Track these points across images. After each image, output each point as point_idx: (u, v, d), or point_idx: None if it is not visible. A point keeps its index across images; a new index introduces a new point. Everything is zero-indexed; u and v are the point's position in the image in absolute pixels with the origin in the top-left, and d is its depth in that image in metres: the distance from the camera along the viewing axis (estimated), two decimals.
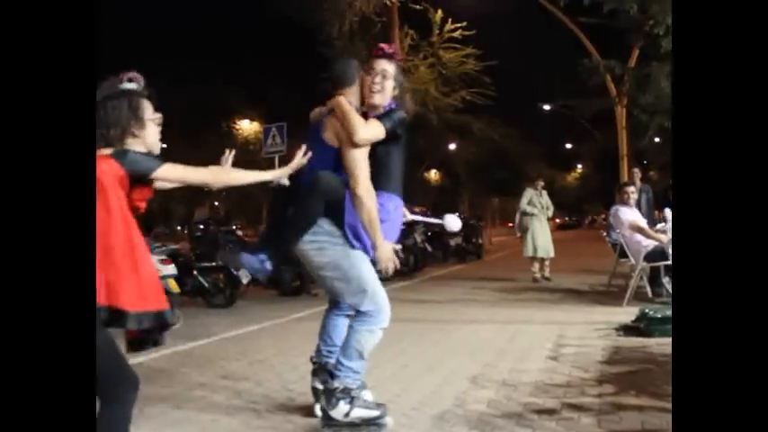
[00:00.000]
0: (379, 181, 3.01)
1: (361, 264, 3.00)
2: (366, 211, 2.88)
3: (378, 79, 3.04)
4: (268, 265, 3.00)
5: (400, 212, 3.16)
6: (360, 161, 2.92)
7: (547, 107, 32.37)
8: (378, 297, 3.01)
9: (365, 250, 2.99)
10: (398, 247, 3.16)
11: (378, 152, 3.00)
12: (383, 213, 2.98)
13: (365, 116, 3.03)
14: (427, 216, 3.49)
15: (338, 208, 2.93)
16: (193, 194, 41.38)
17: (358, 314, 3.04)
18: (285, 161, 3.19)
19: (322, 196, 2.90)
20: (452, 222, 3.33)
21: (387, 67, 3.06)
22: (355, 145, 2.89)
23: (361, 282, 2.99)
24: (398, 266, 3.03)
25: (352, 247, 2.97)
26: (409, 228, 10.65)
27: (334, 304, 3.27)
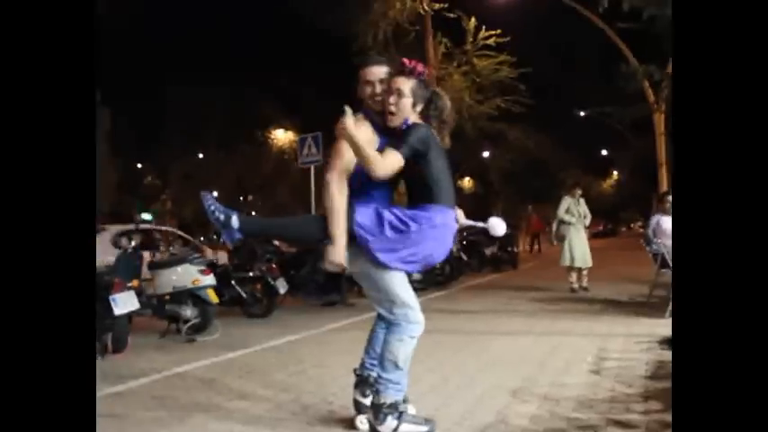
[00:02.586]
0: (423, 196, 3.00)
1: (389, 273, 2.99)
2: (329, 197, 2.89)
3: (392, 99, 3.00)
4: (236, 232, 2.95)
5: (451, 226, 3.06)
6: (341, 152, 2.94)
7: (582, 114, 32.02)
8: (407, 306, 3.01)
9: (391, 252, 2.96)
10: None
11: (412, 170, 2.97)
12: (428, 226, 2.94)
13: (387, 131, 3.03)
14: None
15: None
16: (229, 204, 42.11)
17: (389, 324, 3.06)
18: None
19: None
20: (498, 226, 3.30)
21: (402, 85, 2.99)
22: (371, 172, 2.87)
23: (390, 290, 3.00)
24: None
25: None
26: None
27: (381, 317, 3.26)
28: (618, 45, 17.92)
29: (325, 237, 2.91)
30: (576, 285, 9.95)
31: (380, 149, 2.95)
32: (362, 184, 3.00)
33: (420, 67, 3.05)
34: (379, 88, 3.07)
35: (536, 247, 23.61)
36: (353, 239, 2.95)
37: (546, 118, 33.79)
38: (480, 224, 3.42)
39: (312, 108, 27.63)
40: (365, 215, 2.93)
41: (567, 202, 10.28)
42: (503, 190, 36.45)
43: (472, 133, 18.97)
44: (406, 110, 3.00)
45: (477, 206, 35.88)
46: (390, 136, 3.03)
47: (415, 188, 3.05)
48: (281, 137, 37.42)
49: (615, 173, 57.10)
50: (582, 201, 10.41)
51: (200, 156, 39.65)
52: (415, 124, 2.99)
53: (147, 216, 33.02)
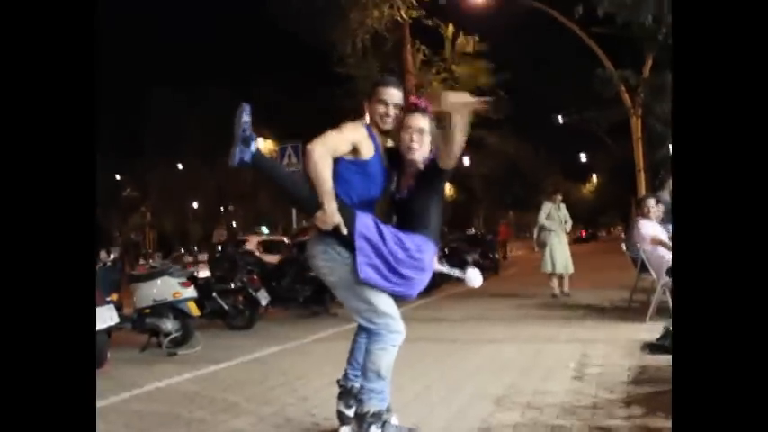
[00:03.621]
0: (416, 223, 3.05)
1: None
2: (311, 166, 2.87)
3: (416, 137, 3.06)
4: (250, 153, 2.95)
5: (432, 262, 3.14)
6: (332, 136, 2.99)
7: (561, 119, 32.31)
8: (387, 315, 3.02)
9: (375, 268, 2.97)
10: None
11: (420, 201, 3.06)
12: (418, 255, 3.00)
13: (400, 166, 3.14)
14: (443, 264, 3.48)
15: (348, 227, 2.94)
16: (209, 215, 41.62)
17: (370, 333, 3.06)
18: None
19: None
20: (475, 279, 3.33)
21: (423, 124, 3.07)
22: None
23: (370, 300, 3.00)
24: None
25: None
26: None
27: (362, 327, 3.26)
28: (594, 50, 18.14)
29: (316, 205, 2.90)
30: (557, 291, 10.01)
31: (376, 153, 3.07)
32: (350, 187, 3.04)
33: (430, 107, 3.16)
34: (392, 111, 3.14)
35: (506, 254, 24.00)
36: (342, 247, 2.96)
37: (525, 124, 34.10)
38: (456, 273, 3.45)
39: (292, 117, 27.57)
40: (368, 228, 2.95)
41: (547, 207, 10.34)
42: (484, 196, 36.62)
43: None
44: (426, 147, 3.09)
45: (457, 214, 36.01)
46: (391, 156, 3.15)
47: (408, 212, 3.09)
48: (260, 146, 37.27)
49: (594, 177, 57.62)
50: (563, 206, 10.48)
51: (180, 166, 39.36)
52: (437, 162, 3.04)
53: (264, 229, 33.08)
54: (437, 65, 18.19)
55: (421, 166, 3.08)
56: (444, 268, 3.45)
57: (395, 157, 3.18)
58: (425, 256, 3.02)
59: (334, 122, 3.19)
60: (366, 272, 2.93)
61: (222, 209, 41.89)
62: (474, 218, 35.52)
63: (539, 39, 31.48)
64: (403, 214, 3.13)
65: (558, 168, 42.24)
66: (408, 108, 3.13)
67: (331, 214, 2.87)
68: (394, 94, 3.16)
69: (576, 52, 20.64)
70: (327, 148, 2.95)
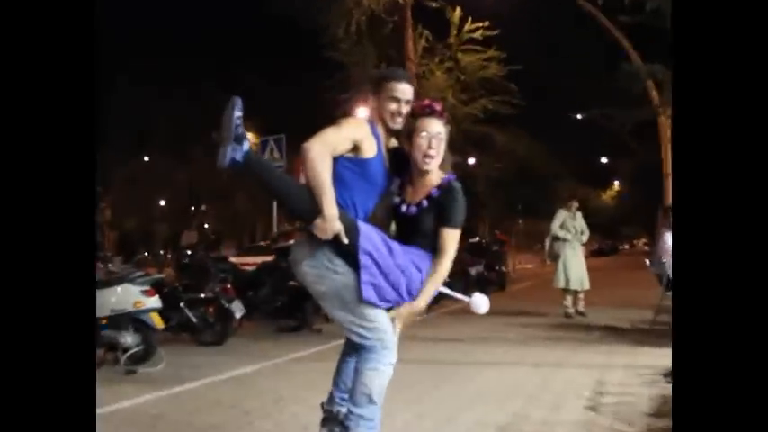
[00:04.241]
0: (426, 243, 3.08)
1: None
2: (310, 169, 2.86)
3: (434, 143, 3.09)
4: (242, 153, 2.92)
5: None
6: (331, 133, 2.99)
7: (579, 117, 32.43)
8: (381, 330, 3.01)
9: (378, 288, 2.97)
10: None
11: (430, 223, 3.08)
12: (422, 269, 3.03)
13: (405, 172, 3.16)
14: (451, 287, 3.52)
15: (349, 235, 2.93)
16: (178, 214, 41.54)
17: (361, 351, 3.05)
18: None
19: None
20: (481, 304, 3.34)
21: (440, 129, 3.11)
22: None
23: (363, 312, 2.99)
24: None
25: (358, 276, 2.96)
26: None
27: (351, 344, 3.25)
28: (619, 42, 18.21)
29: (314, 211, 2.88)
30: (571, 310, 10.03)
31: (379, 153, 3.09)
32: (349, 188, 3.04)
33: (443, 108, 3.20)
34: (405, 110, 3.15)
35: None
36: (335, 254, 2.96)
37: (539, 121, 34.19)
38: (459, 296, 3.48)
39: (276, 107, 27.58)
40: (372, 241, 2.94)
41: (561, 216, 10.37)
42: (490, 202, 36.65)
43: (456, 138, 19.10)
44: (442, 154, 3.13)
45: None
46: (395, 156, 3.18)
47: (414, 230, 3.11)
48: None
49: (616, 183, 57.86)
50: (579, 215, 10.51)
51: (147, 159, 39.30)
52: (453, 190, 3.10)
53: None
54: (441, 53, 18.23)
55: (436, 181, 3.11)
56: (447, 290, 3.47)
57: (399, 160, 3.18)
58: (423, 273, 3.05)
59: (320, 113, 3.19)
60: (369, 292, 2.93)
61: (193, 208, 41.84)
62: (478, 224, 35.55)
63: (556, 26, 31.53)
64: (407, 229, 3.15)
65: (574, 172, 42.34)
66: (422, 111, 3.14)
67: (332, 221, 2.85)
68: (407, 91, 3.17)
69: (598, 43, 20.77)
70: (326, 147, 2.94)
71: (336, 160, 3.00)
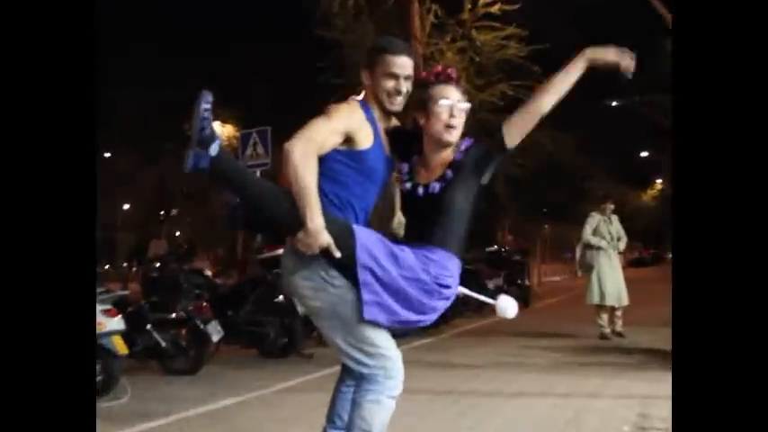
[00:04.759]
0: (448, 231, 3.07)
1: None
2: (293, 173, 2.82)
3: (456, 111, 3.11)
4: (207, 159, 2.89)
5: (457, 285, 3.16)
6: (318, 126, 2.96)
7: (615, 104, 32.46)
8: (385, 356, 2.99)
9: (384, 306, 2.94)
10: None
11: (458, 198, 3.09)
12: (449, 281, 3.02)
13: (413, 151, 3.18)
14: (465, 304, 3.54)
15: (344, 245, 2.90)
16: (145, 220, 41.68)
17: (360, 381, 3.03)
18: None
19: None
20: (508, 307, 3.32)
21: (461, 96, 3.15)
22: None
23: (364, 334, 2.97)
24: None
25: (358, 292, 2.93)
26: None
27: (348, 372, 3.22)
28: (660, 13, 18.19)
29: (299, 222, 2.84)
30: (607, 330, 10.02)
31: (376, 141, 3.08)
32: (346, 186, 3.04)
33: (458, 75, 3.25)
34: (404, 87, 3.13)
35: None
36: (331, 266, 2.94)
37: (567, 109, 34.12)
38: (483, 298, 3.47)
39: (260, 95, 27.66)
40: (372, 252, 2.91)
41: (595, 220, 10.37)
42: (511, 204, 36.64)
43: (471, 128, 19.10)
44: (461, 128, 3.18)
45: (475, 225, 36.02)
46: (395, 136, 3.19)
47: (437, 212, 3.08)
48: (218, 132, 37.34)
49: (659, 181, 57.87)
50: (615, 219, 10.51)
51: (107, 155, 39.35)
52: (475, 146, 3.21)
53: None
54: (453, 30, 18.23)
55: (456, 154, 3.13)
56: (469, 291, 3.44)
57: (402, 141, 3.15)
58: (454, 281, 3.05)
59: (311, 103, 3.17)
60: (372, 312, 2.92)
61: (162, 213, 41.86)
62: (498, 231, 35.55)
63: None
64: (426, 214, 3.10)
65: (609, 168, 42.34)
66: (437, 78, 3.14)
67: (316, 234, 2.81)
68: (406, 65, 3.14)
69: (635, 17, 20.74)
70: (312, 145, 2.90)
71: (327, 155, 2.97)
